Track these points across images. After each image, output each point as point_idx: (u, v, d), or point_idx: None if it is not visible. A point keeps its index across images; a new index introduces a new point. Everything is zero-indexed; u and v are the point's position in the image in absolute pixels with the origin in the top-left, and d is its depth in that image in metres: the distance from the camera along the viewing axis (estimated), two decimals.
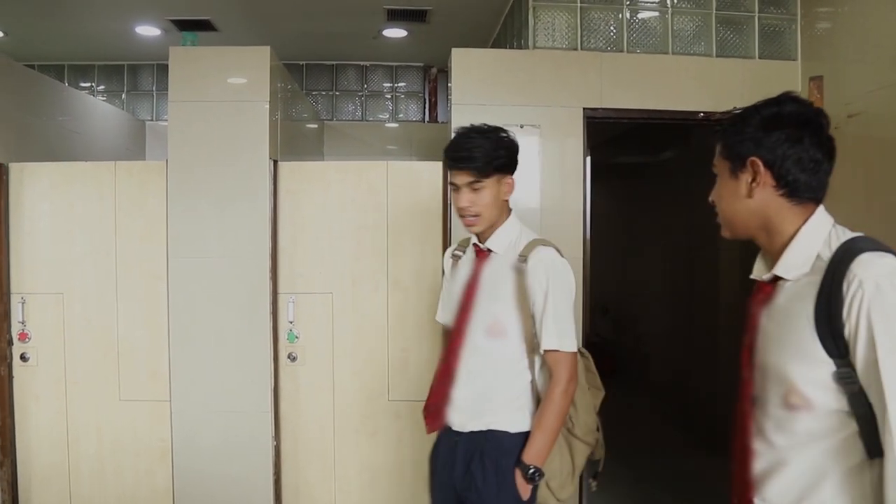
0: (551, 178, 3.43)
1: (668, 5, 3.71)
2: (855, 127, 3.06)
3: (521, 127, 3.35)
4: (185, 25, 4.88)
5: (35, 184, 3.39)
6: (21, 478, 3.40)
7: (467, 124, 2.15)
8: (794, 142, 1.34)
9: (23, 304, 3.36)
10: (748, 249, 1.54)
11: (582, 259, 3.42)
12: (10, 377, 3.35)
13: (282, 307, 3.45)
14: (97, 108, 4.65)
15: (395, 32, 5.27)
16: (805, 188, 1.36)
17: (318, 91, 6.15)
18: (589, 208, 3.48)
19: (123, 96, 6.14)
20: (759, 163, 1.36)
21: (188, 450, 3.37)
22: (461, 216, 2.13)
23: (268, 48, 3.38)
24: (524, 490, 2.06)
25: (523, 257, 2.11)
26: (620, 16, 3.70)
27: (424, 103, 6.20)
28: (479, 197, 2.08)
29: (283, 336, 3.46)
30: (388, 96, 6.22)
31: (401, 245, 3.48)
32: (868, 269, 1.24)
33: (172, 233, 3.33)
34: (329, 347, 3.48)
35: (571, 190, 3.45)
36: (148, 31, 5.16)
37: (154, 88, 6.11)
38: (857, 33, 3.16)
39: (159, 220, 3.36)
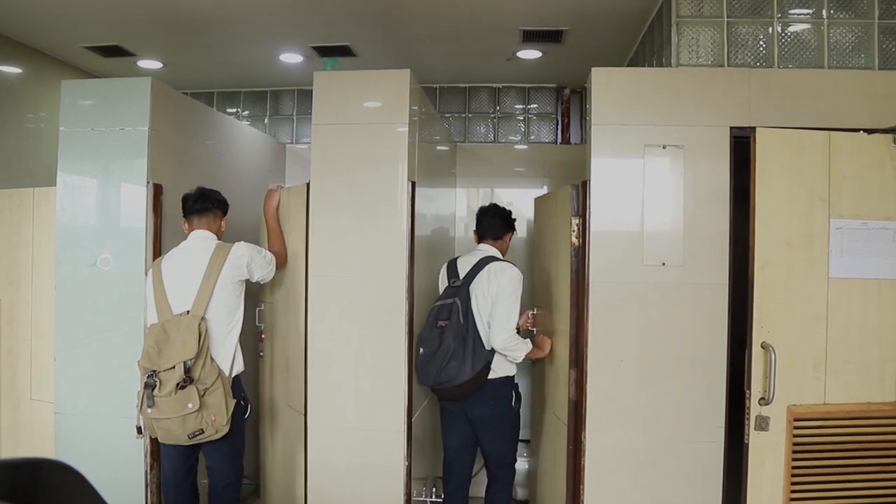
0: (694, 201, 3.25)
1: (824, 16, 3.48)
2: None
3: (664, 147, 3.22)
4: (326, 52, 5.07)
5: None
6: None
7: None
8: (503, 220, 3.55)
9: None
10: None
11: (728, 286, 3.23)
12: None
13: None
14: (243, 132, 4.89)
15: (530, 54, 5.24)
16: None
17: (450, 113, 6.22)
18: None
19: (266, 121, 6.46)
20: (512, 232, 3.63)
21: (324, 467, 3.40)
22: None
23: (408, 71, 3.40)
24: None
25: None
26: (770, 30, 3.51)
27: (557, 125, 6.13)
28: None
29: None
30: (521, 118, 6.20)
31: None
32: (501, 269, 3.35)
33: (313, 252, 3.38)
34: None
35: (716, 212, 3.26)
36: (290, 58, 5.40)
37: (294, 113, 6.39)
38: None
39: (299, 240, 3.48)
